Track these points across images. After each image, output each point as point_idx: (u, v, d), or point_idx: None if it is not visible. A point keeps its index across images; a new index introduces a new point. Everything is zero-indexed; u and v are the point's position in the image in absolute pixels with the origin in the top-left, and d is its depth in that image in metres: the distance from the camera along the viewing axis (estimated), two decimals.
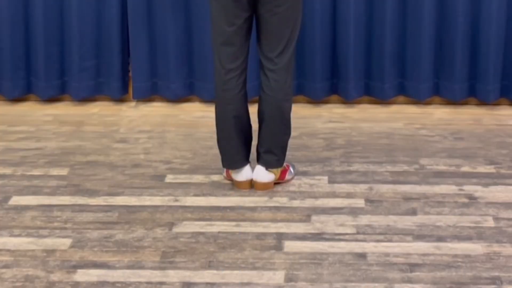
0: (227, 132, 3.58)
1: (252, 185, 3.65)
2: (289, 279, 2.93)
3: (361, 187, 3.67)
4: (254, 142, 3.69)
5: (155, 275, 2.95)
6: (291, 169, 3.75)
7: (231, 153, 3.62)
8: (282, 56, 3.50)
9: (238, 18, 3.44)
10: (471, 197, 3.58)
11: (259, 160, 3.65)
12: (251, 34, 3.52)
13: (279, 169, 3.66)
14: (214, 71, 3.56)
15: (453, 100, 4.70)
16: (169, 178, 3.76)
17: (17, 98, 4.76)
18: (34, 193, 3.61)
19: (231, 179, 3.69)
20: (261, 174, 3.64)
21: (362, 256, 3.09)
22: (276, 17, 3.44)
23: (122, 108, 4.71)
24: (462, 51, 4.60)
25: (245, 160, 3.65)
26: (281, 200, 3.54)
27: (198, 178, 3.76)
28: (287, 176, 3.71)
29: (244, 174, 3.64)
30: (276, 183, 3.67)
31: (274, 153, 3.62)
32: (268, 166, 3.63)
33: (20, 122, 4.49)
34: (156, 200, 3.55)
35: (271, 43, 3.49)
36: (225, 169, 3.73)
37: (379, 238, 3.22)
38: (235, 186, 3.66)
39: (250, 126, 3.65)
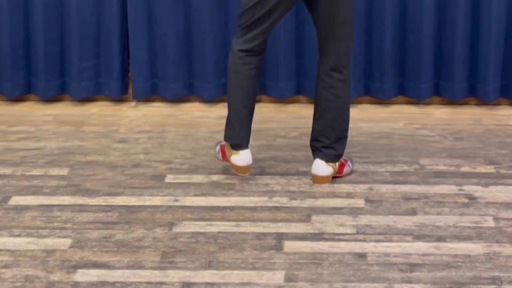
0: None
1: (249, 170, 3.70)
2: (289, 279, 2.93)
3: (361, 187, 3.67)
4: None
5: (155, 275, 2.95)
6: (350, 163, 3.76)
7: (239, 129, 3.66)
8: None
9: None
10: (471, 197, 3.58)
11: (318, 154, 3.67)
12: None
13: (337, 164, 3.69)
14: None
15: (453, 100, 4.69)
16: (169, 178, 3.76)
17: (17, 98, 4.76)
18: (34, 193, 3.61)
19: (226, 161, 3.69)
20: (320, 168, 3.65)
21: (362, 256, 3.08)
22: None
23: (122, 108, 4.71)
24: (462, 51, 4.60)
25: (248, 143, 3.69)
26: (281, 200, 3.54)
27: (198, 178, 3.76)
28: (345, 170, 3.73)
29: (245, 158, 3.67)
30: (335, 177, 3.69)
31: (334, 147, 3.66)
32: (327, 160, 3.66)
33: (20, 122, 4.48)
34: (156, 200, 3.55)
35: None
36: (221, 151, 3.74)
37: (379, 238, 3.22)
38: (234, 170, 3.67)
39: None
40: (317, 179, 3.68)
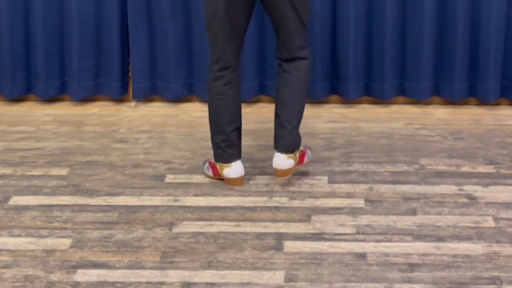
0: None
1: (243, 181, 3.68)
2: (289, 279, 2.93)
3: (361, 187, 3.67)
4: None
5: (155, 275, 2.95)
6: (309, 152, 3.75)
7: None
8: None
9: None
10: (471, 197, 3.58)
11: (278, 146, 3.63)
12: None
13: (297, 153, 3.66)
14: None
15: (453, 100, 4.69)
16: (169, 178, 3.76)
17: (17, 98, 4.76)
18: (34, 193, 3.61)
19: (219, 178, 3.68)
20: (282, 161, 3.61)
21: (362, 256, 3.09)
22: None
23: (122, 108, 4.71)
24: (462, 51, 4.60)
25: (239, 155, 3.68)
26: (281, 200, 3.54)
27: (198, 178, 3.76)
28: (306, 159, 3.72)
29: (238, 170, 3.65)
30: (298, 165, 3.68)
31: (294, 133, 3.62)
32: (288, 151, 3.61)
33: (20, 122, 4.49)
34: (156, 200, 3.55)
35: None
36: (210, 169, 3.73)
37: (379, 238, 3.22)
38: (227, 183, 3.66)
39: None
40: (279, 173, 3.62)
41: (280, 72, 3.65)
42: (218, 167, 3.69)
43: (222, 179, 3.69)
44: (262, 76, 4.69)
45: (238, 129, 3.69)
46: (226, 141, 3.64)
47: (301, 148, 3.72)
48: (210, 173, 3.73)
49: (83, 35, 4.64)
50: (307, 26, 3.63)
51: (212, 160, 3.73)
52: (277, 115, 3.65)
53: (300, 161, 3.68)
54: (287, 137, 3.61)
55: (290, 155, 3.62)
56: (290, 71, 3.62)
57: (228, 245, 3.17)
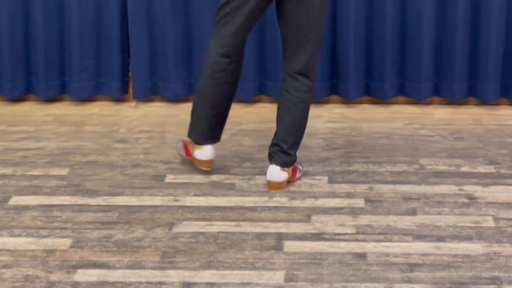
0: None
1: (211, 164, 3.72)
2: (289, 279, 2.93)
3: (361, 187, 3.67)
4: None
5: (155, 275, 2.95)
6: (300, 167, 3.75)
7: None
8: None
9: None
10: (471, 197, 3.58)
11: (273, 160, 3.64)
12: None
13: (291, 168, 3.66)
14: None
15: (453, 100, 4.70)
16: (169, 178, 3.76)
17: (17, 98, 4.76)
18: (34, 193, 3.61)
19: (190, 157, 3.73)
20: (276, 173, 3.63)
21: (362, 256, 3.09)
22: None
23: (122, 108, 4.71)
24: (462, 51, 4.60)
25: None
26: (281, 200, 3.54)
27: (198, 178, 3.76)
28: (297, 174, 3.71)
29: (208, 153, 3.70)
30: (288, 181, 3.67)
31: (290, 153, 3.63)
32: (283, 165, 3.62)
33: (20, 122, 4.48)
34: (156, 200, 3.55)
35: None
36: (183, 147, 3.77)
37: (379, 238, 3.22)
38: (196, 164, 3.71)
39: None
40: (273, 185, 3.63)
41: (282, 89, 3.65)
42: (190, 148, 3.74)
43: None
44: (262, 76, 4.69)
45: (220, 113, 3.69)
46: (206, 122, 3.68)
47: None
48: (182, 152, 3.80)
49: (83, 35, 4.64)
50: (315, 51, 3.60)
51: (186, 139, 3.76)
52: (275, 131, 3.67)
53: (292, 175, 3.69)
54: (280, 156, 3.63)
55: (285, 168, 3.63)
56: (290, 91, 3.61)
57: (228, 245, 3.17)
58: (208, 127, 3.68)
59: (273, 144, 3.65)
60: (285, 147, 3.62)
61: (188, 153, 3.75)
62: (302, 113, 3.63)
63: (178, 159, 3.97)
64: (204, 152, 3.70)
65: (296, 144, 3.66)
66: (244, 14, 3.51)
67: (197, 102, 3.68)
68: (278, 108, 3.66)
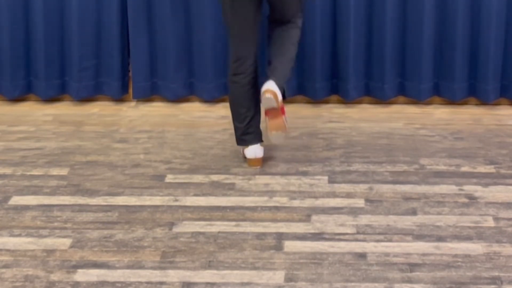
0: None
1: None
2: (289, 279, 2.93)
3: (361, 187, 3.67)
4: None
5: (155, 275, 2.95)
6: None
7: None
8: None
9: None
10: (471, 197, 3.58)
11: (270, 75, 3.77)
12: None
13: (280, 99, 3.76)
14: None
15: (453, 100, 4.69)
16: (169, 178, 3.76)
17: (17, 98, 4.76)
18: (34, 193, 3.62)
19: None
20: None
21: (362, 256, 3.09)
22: None
23: (122, 108, 4.71)
24: (462, 51, 4.60)
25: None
26: (281, 200, 3.55)
27: (198, 178, 3.76)
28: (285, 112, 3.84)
29: (256, 151, 3.85)
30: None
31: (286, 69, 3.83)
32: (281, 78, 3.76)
33: (20, 122, 4.49)
34: (156, 200, 3.55)
35: None
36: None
37: (379, 238, 3.22)
38: (248, 163, 3.86)
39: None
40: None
41: (269, 32, 3.84)
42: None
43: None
44: (263, 77, 4.68)
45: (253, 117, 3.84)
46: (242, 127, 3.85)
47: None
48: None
49: (83, 35, 4.64)
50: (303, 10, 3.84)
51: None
52: (269, 61, 3.85)
53: (282, 111, 3.76)
54: (280, 68, 3.79)
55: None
56: (278, 31, 3.81)
57: (228, 245, 3.17)
58: (247, 128, 3.85)
59: (269, 66, 3.81)
60: (284, 60, 3.79)
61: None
62: (294, 45, 3.82)
63: (178, 159, 3.98)
64: (251, 151, 3.85)
65: (289, 68, 3.82)
66: (238, 20, 3.74)
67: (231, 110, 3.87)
68: (270, 51, 3.83)
